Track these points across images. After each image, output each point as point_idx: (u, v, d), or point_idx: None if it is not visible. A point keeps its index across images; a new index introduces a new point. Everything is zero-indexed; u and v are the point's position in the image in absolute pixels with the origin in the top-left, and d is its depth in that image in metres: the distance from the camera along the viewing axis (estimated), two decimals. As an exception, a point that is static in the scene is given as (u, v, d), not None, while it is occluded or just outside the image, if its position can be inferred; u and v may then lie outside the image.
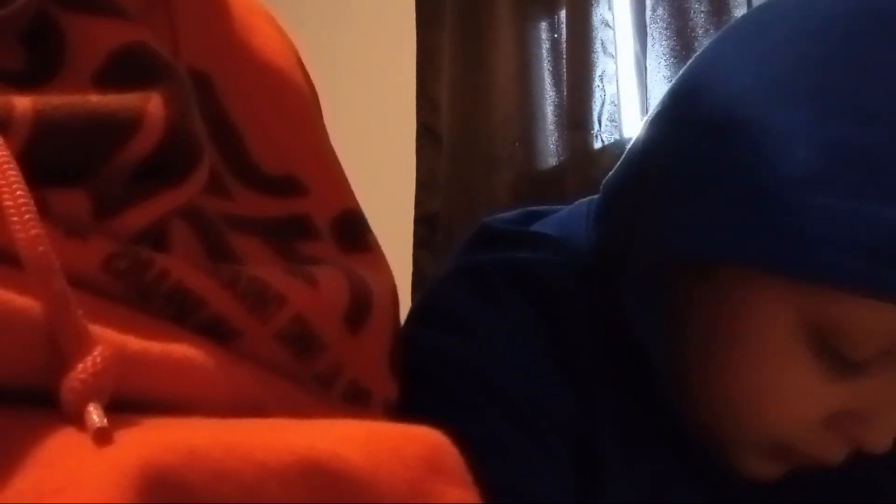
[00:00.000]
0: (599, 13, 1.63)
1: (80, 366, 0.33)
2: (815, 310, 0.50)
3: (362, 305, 0.48)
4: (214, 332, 0.41)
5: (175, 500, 0.29)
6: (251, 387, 0.41)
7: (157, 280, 0.40)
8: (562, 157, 1.45)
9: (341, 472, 0.34)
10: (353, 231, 0.55)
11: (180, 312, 0.40)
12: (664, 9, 1.54)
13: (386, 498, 0.35)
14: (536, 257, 0.59)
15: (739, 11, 1.36)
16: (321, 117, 0.58)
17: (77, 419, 0.32)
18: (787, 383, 0.51)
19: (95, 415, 0.32)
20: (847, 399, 0.51)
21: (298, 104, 0.56)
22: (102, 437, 0.31)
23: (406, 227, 1.47)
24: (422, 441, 0.39)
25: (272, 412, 0.39)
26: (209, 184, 0.46)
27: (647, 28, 1.57)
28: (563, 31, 1.62)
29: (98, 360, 0.33)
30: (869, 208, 0.46)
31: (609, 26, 1.63)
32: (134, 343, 0.36)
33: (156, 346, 0.36)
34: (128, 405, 0.35)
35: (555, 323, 0.56)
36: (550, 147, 1.50)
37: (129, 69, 0.44)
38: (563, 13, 1.63)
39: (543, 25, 1.65)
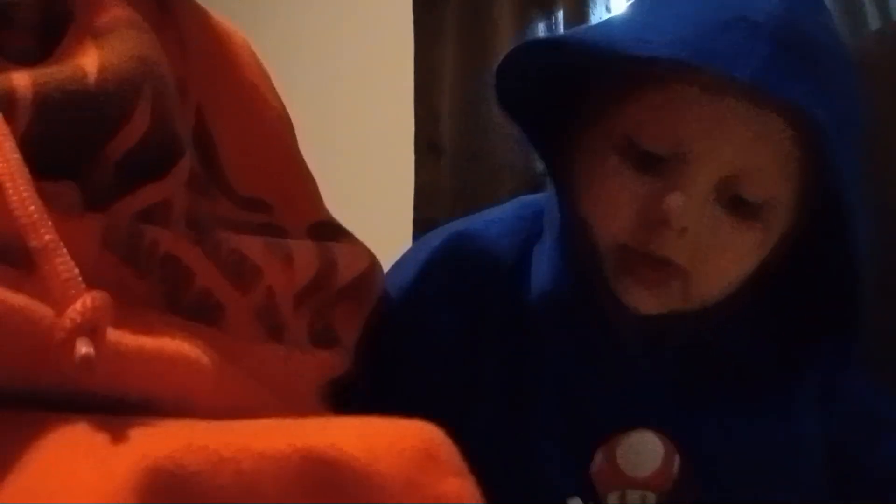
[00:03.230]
0: (597, 13, 1.63)
1: (71, 307, 0.35)
2: (620, 122, 0.66)
3: (326, 276, 0.54)
4: (204, 308, 0.43)
5: (175, 489, 0.29)
6: (237, 374, 0.42)
7: (150, 249, 0.42)
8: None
9: (339, 461, 0.35)
10: (327, 234, 0.59)
11: (174, 287, 0.42)
12: (661, 8, 1.55)
13: (384, 487, 0.36)
14: (483, 229, 0.76)
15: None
16: (294, 136, 0.62)
17: (67, 353, 0.34)
18: (611, 186, 0.67)
19: (83, 346, 0.34)
20: (652, 187, 0.65)
21: (274, 131, 0.59)
22: (88, 363, 0.33)
23: (405, 238, 1.48)
24: (417, 434, 0.40)
25: (259, 393, 0.40)
26: (198, 185, 0.48)
27: (645, 27, 1.58)
28: (561, 31, 1.63)
29: (88, 302, 0.35)
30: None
31: (606, 26, 1.64)
32: (129, 339, 0.37)
33: (150, 342, 0.37)
34: (125, 406, 0.36)
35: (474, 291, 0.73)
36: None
37: (128, 34, 0.46)
38: (560, 14, 1.64)
39: (541, 27, 1.66)
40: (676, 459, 0.71)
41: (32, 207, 0.36)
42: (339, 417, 0.42)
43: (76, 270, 0.36)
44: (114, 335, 0.36)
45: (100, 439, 0.32)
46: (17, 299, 0.35)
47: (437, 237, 0.78)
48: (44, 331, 0.35)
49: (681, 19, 0.64)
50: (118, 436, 0.32)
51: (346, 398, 0.60)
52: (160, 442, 0.32)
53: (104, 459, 0.31)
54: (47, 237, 0.36)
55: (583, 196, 0.69)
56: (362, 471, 0.36)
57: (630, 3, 0.75)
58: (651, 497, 0.71)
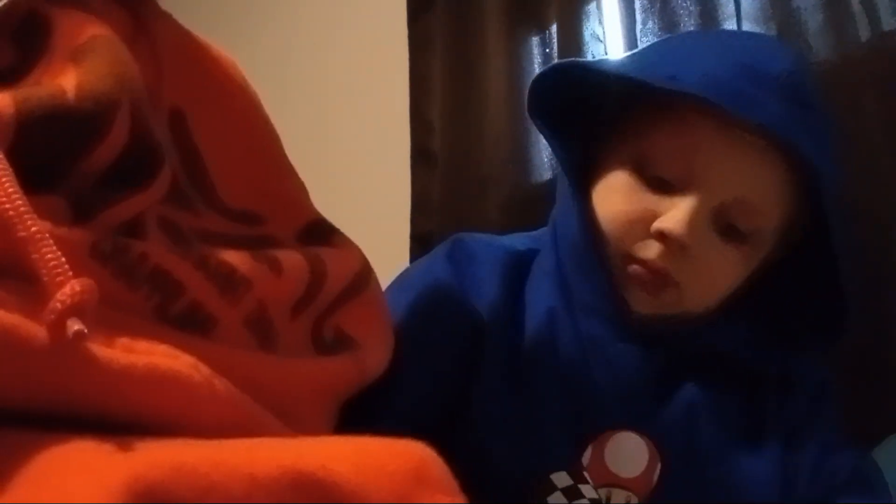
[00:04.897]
0: (590, 27, 1.64)
1: (60, 291, 0.36)
2: (639, 146, 0.76)
3: (320, 283, 0.54)
4: (194, 320, 0.43)
5: (165, 513, 0.29)
6: (230, 390, 0.42)
7: (138, 262, 0.42)
8: (555, 172, 1.46)
9: (330, 483, 0.35)
10: (318, 235, 0.59)
11: (164, 300, 0.43)
12: (654, 22, 1.55)
13: (375, 509, 0.36)
14: (487, 239, 0.84)
15: (729, 24, 1.37)
16: (278, 137, 0.61)
17: (58, 333, 0.35)
18: (622, 200, 0.76)
19: (75, 324, 0.35)
20: (659, 204, 0.74)
21: (259, 135, 0.60)
22: (80, 338, 0.34)
23: (402, 248, 1.48)
24: (408, 454, 0.40)
25: (253, 409, 0.41)
26: (180, 199, 0.49)
27: (638, 41, 1.58)
28: (555, 46, 1.63)
29: (76, 287, 0.36)
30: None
31: (600, 40, 1.64)
32: (121, 356, 0.37)
33: (142, 360, 0.38)
34: (117, 424, 0.36)
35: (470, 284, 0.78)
36: (544, 161, 1.51)
37: (105, 52, 0.46)
38: (553, 28, 1.64)
39: (535, 41, 1.66)
40: (658, 467, 0.76)
41: (20, 201, 0.37)
42: (330, 438, 0.42)
43: (63, 258, 0.37)
44: (105, 353, 0.37)
45: (91, 459, 0.32)
46: (8, 318, 0.35)
47: (442, 248, 0.83)
48: (34, 350, 0.35)
49: (706, 62, 0.74)
50: (109, 456, 0.32)
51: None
52: (150, 464, 0.32)
53: (95, 479, 0.31)
54: (34, 228, 0.37)
55: (597, 205, 0.78)
56: (353, 492, 0.36)
57: (656, 40, 0.90)
58: (634, 499, 0.76)
